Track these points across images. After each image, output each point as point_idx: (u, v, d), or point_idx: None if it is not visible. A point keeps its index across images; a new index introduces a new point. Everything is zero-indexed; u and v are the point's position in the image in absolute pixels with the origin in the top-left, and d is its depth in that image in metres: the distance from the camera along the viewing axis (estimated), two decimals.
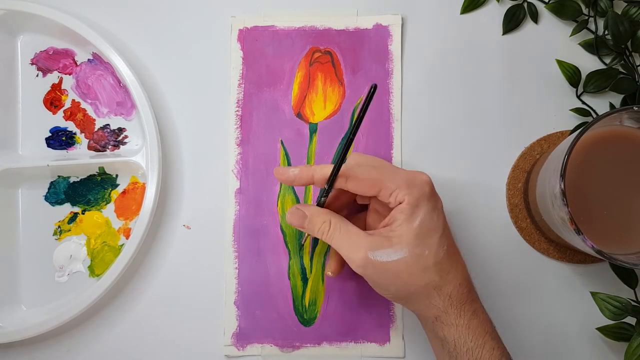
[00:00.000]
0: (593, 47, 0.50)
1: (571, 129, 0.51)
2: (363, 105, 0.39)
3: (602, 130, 0.42)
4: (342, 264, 0.46)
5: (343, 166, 0.41)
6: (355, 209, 0.47)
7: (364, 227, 0.45)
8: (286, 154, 0.51)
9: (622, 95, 0.50)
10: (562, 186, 0.39)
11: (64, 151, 0.52)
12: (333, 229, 0.42)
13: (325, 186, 0.42)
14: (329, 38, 0.52)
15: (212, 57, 0.52)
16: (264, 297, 0.50)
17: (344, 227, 0.42)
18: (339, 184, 0.42)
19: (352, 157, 0.45)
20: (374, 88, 0.39)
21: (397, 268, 0.40)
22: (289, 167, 0.45)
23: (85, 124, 0.52)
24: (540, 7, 0.52)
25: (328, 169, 0.42)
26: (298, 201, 0.51)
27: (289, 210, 0.43)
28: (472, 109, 0.51)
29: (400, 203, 0.41)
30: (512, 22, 0.51)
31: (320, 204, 0.43)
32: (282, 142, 0.51)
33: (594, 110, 0.50)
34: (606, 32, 0.49)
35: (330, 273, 0.47)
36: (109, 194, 0.51)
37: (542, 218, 0.47)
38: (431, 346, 0.44)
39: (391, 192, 0.41)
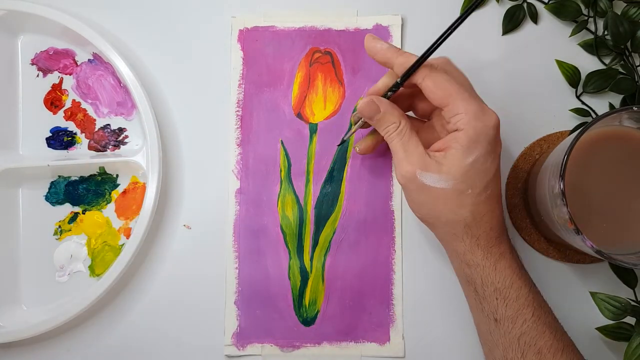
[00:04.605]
0: (593, 47, 0.50)
1: (571, 129, 0.51)
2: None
3: (602, 131, 0.42)
4: (374, 147, 0.48)
5: (429, 63, 0.40)
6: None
7: None
8: (286, 154, 0.51)
9: (622, 96, 0.50)
10: (562, 186, 0.39)
11: (64, 151, 0.52)
12: (398, 132, 0.42)
13: (398, 80, 0.41)
14: (329, 38, 0.52)
15: (212, 57, 0.52)
16: (264, 297, 0.50)
17: (408, 135, 0.41)
18: (416, 78, 0.41)
19: (442, 60, 0.43)
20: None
21: (436, 194, 0.40)
22: (380, 40, 0.43)
23: (86, 124, 0.52)
24: (540, 7, 0.52)
25: (412, 59, 0.41)
26: (298, 201, 0.51)
27: (363, 100, 0.42)
28: None
29: (456, 130, 0.40)
30: (511, 22, 0.51)
31: (386, 97, 0.43)
32: (282, 142, 0.51)
33: (594, 111, 0.50)
34: (606, 33, 0.50)
35: (357, 149, 0.48)
36: (110, 193, 0.51)
37: (542, 218, 0.47)
38: (459, 281, 0.44)
39: (456, 113, 0.40)
